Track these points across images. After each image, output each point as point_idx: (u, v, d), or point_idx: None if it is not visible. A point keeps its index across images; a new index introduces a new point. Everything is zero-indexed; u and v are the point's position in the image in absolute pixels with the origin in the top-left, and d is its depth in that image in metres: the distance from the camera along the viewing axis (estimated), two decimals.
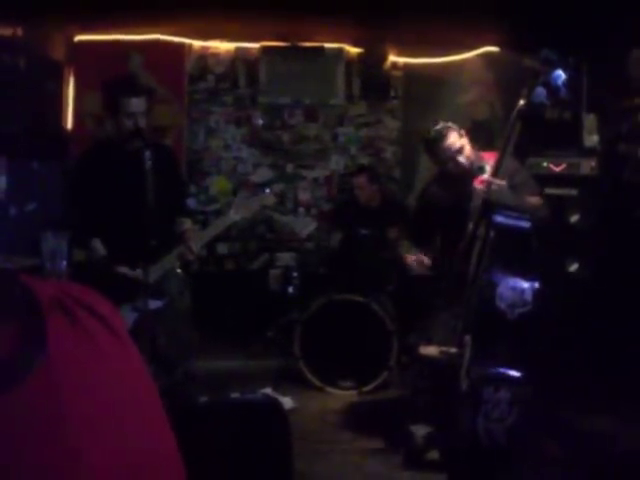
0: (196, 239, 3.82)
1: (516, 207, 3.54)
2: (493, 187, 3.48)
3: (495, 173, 3.53)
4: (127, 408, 0.96)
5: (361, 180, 5.98)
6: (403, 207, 6.07)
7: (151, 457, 0.97)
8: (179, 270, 3.97)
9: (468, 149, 3.82)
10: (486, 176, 3.55)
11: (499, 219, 3.43)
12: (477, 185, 3.61)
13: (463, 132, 3.87)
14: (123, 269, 3.69)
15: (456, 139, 3.79)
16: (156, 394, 1.03)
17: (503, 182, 3.53)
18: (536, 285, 3.34)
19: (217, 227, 3.92)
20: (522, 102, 3.40)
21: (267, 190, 3.95)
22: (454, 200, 3.82)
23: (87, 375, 0.91)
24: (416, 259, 3.96)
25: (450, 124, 3.86)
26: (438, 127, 3.82)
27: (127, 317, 3.61)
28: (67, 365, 0.89)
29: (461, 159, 3.78)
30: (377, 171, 6.39)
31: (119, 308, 3.42)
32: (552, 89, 3.32)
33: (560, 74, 3.28)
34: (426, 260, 3.93)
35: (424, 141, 3.95)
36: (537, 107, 3.42)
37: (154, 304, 3.70)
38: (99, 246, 3.75)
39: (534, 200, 3.79)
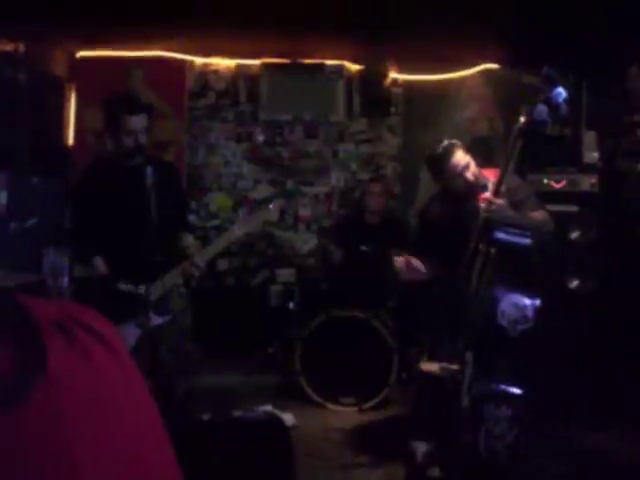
0: (200, 255, 3.81)
1: (519, 224, 3.54)
2: (493, 207, 3.47)
3: (497, 190, 3.52)
4: (127, 429, 0.95)
5: (378, 187, 5.96)
6: (404, 223, 6.08)
7: (152, 476, 0.96)
8: (182, 288, 3.96)
9: (473, 165, 3.80)
10: (488, 194, 3.55)
11: (500, 235, 3.43)
12: (482, 202, 3.59)
13: (465, 149, 3.86)
14: (125, 287, 3.67)
15: (462, 156, 3.78)
16: (157, 413, 1.03)
17: (502, 201, 3.53)
18: (537, 302, 3.34)
19: (221, 243, 3.91)
20: (523, 119, 3.41)
21: (271, 206, 3.93)
22: (455, 218, 3.81)
23: (87, 396, 0.91)
24: (404, 260, 3.87)
25: (455, 141, 3.85)
26: (444, 144, 3.80)
27: (131, 334, 3.60)
28: (67, 386, 0.89)
29: (469, 175, 3.76)
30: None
31: (123, 325, 3.43)
32: (553, 106, 3.32)
33: (561, 91, 3.27)
34: (417, 264, 3.87)
35: (428, 160, 3.90)
36: (538, 124, 3.41)
37: (157, 320, 3.70)
38: (100, 264, 3.74)
39: (538, 215, 3.77)
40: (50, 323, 0.92)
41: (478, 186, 3.72)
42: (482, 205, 3.53)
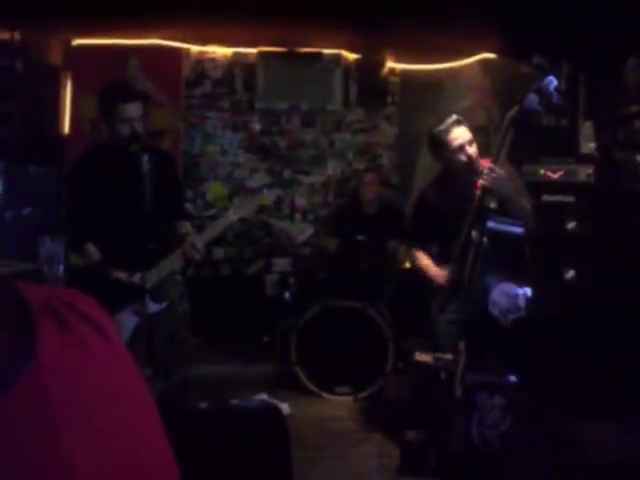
0: (199, 237, 3.82)
1: (511, 201, 3.55)
2: (494, 175, 3.43)
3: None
4: (119, 414, 0.95)
5: (371, 177, 5.96)
6: (401, 213, 6.07)
7: (144, 463, 0.96)
8: (179, 276, 3.96)
9: (475, 145, 3.77)
10: (488, 164, 3.50)
11: (492, 224, 3.42)
12: (480, 186, 3.56)
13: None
14: (120, 274, 3.67)
15: (465, 131, 3.74)
16: (150, 400, 1.03)
17: (502, 171, 3.48)
18: (529, 291, 3.34)
19: (216, 228, 3.91)
20: (515, 108, 3.40)
21: (265, 190, 3.94)
22: (452, 204, 3.79)
23: (78, 381, 0.91)
24: (444, 274, 3.83)
25: (460, 117, 3.81)
26: (450, 119, 3.77)
27: (129, 321, 3.61)
28: (57, 371, 0.88)
29: (470, 150, 3.72)
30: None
31: (120, 313, 3.43)
32: (544, 95, 3.30)
33: (552, 80, 3.26)
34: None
35: (431, 136, 3.83)
36: (530, 113, 3.40)
37: (153, 307, 3.70)
38: (93, 250, 3.73)
39: (526, 205, 3.76)
40: (41, 306, 0.92)
41: (477, 169, 3.67)
42: (484, 170, 3.48)
